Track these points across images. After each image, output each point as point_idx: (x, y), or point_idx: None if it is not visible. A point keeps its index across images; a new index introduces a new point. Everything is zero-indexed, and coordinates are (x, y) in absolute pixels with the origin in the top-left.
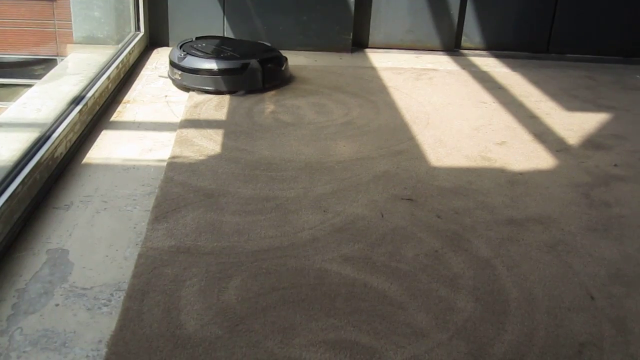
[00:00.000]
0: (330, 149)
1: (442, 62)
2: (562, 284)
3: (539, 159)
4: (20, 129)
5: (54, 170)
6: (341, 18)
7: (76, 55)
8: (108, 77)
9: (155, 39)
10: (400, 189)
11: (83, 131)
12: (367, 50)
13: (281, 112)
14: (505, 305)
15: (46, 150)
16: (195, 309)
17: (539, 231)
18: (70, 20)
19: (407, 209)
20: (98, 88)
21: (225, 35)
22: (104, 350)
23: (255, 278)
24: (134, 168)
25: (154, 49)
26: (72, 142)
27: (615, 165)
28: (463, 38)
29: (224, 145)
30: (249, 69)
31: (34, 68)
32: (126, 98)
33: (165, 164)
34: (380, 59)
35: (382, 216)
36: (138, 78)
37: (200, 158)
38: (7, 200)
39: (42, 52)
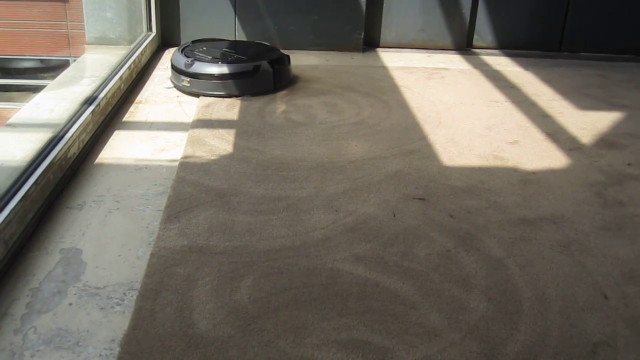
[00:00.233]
0: (342, 148)
1: (454, 61)
2: (575, 284)
3: (552, 158)
4: (33, 130)
5: (67, 170)
6: (352, 17)
7: (89, 55)
8: (120, 78)
9: (167, 40)
10: (412, 188)
11: (96, 131)
12: (379, 49)
13: (293, 111)
14: (518, 305)
15: (59, 151)
16: (207, 308)
17: (551, 231)
18: (83, 22)
19: (419, 209)
20: (110, 88)
21: (223, 37)
22: (116, 350)
23: (267, 278)
24: (146, 168)
25: (165, 50)
26: (85, 143)
27: (629, 164)
28: (475, 37)
29: (235, 145)
30: (260, 71)
31: (46, 69)
32: (138, 98)
33: (177, 163)
34: (392, 58)
35: (394, 216)
36: (150, 78)
37: (212, 158)
38: (20, 200)
39: (55, 53)
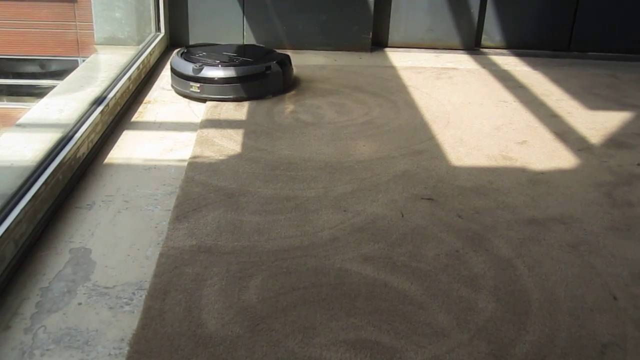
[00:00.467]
0: (350, 148)
1: (462, 61)
2: (584, 285)
3: (561, 158)
4: (43, 130)
5: (76, 170)
6: (361, 17)
7: (98, 56)
8: (129, 78)
9: (175, 40)
10: (420, 188)
11: (105, 131)
12: (387, 49)
13: (301, 111)
14: (527, 305)
15: (69, 151)
16: (216, 308)
17: (560, 231)
18: (91, 22)
19: (428, 209)
20: (119, 89)
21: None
22: (126, 349)
23: (276, 277)
24: (155, 168)
25: (174, 50)
26: (94, 143)
27: (639, 164)
28: (483, 37)
29: (244, 145)
30: (271, 72)
31: (55, 69)
32: (147, 98)
33: (186, 163)
34: (400, 58)
35: (403, 216)
36: (159, 78)
37: (221, 158)
38: (30, 200)
39: (64, 54)
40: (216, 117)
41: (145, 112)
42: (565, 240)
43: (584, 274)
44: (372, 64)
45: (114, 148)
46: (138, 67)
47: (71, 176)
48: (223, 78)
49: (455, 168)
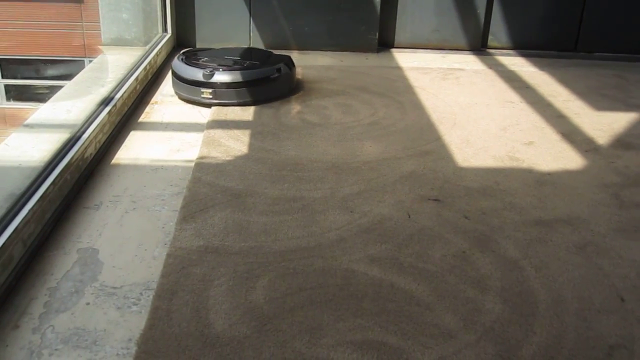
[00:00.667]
0: (356, 149)
1: (468, 61)
2: (591, 286)
3: (568, 159)
4: (50, 130)
5: (83, 170)
6: (367, 18)
7: (105, 56)
8: (136, 79)
9: (182, 40)
10: (427, 189)
11: (112, 132)
12: (393, 50)
13: (307, 112)
14: (534, 306)
15: (76, 151)
16: (223, 308)
17: (567, 232)
18: (98, 22)
19: (434, 210)
20: (127, 89)
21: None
22: (133, 349)
23: (283, 278)
24: (162, 168)
25: (180, 50)
26: (102, 143)
27: None
28: (490, 37)
29: (250, 146)
30: (282, 75)
31: (62, 69)
32: (154, 99)
33: (193, 164)
34: (407, 59)
35: (409, 217)
36: (166, 79)
37: (228, 158)
38: (38, 200)
39: (71, 54)
40: (223, 117)
41: (152, 112)
42: (573, 242)
43: (591, 276)
44: (378, 64)
45: (121, 148)
46: (145, 68)
47: (79, 176)
48: (236, 82)
49: (462, 169)
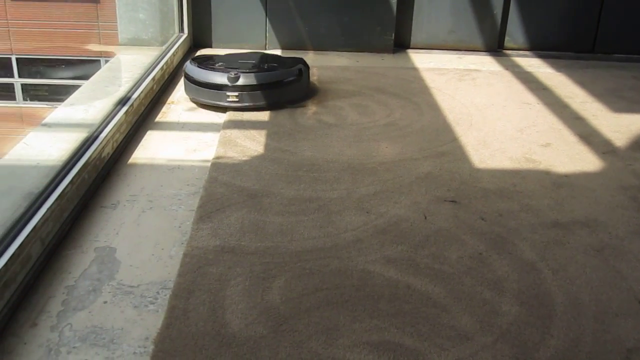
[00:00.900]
0: (372, 150)
1: (485, 62)
2: (609, 289)
3: (585, 161)
4: (68, 130)
5: (101, 170)
6: (383, 18)
7: (122, 56)
8: (153, 78)
9: (198, 40)
10: (443, 190)
11: (129, 131)
12: (409, 50)
13: (323, 113)
14: (551, 309)
15: (94, 151)
16: (239, 308)
17: (585, 234)
18: (113, 22)
19: (451, 211)
20: (143, 89)
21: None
22: (150, 348)
23: (299, 278)
24: (178, 168)
25: (197, 50)
26: (119, 143)
27: None
28: (506, 38)
29: (267, 146)
30: (303, 75)
31: (79, 69)
32: (170, 99)
33: (209, 164)
34: (423, 60)
35: (425, 218)
36: (182, 79)
37: (244, 158)
38: (57, 199)
39: (87, 54)
40: (239, 118)
41: (168, 112)
42: (590, 244)
43: (608, 278)
44: (394, 65)
45: (138, 148)
46: (162, 68)
47: (96, 176)
48: (263, 84)
49: (479, 170)
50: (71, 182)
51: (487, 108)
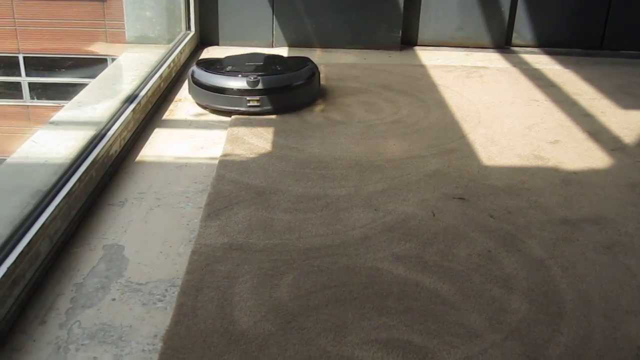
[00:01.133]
0: (380, 147)
1: (492, 59)
2: (619, 286)
3: (594, 158)
4: (76, 127)
5: (109, 167)
6: (390, 16)
7: (129, 54)
8: (160, 76)
9: (205, 38)
10: (451, 188)
11: (136, 129)
12: (416, 47)
13: (331, 110)
14: (561, 306)
15: (102, 148)
16: (248, 305)
17: (594, 232)
18: (120, 20)
19: (459, 208)
20: (151, 87)
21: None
22: (159, 345)
23: (307, 276)
24: (186, 166)
25: (204, 48)
26: (126, 140)
27: None
28: (514, 35)
29: (274, 144)
30: (315, 75)
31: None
32: (177, 96)
33: (216, 161)
34: (430, 57)
35: (434, 215)
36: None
37: (251, 156)
38: (65, 197)
39: (94, 52)
40: (246, 116)
41: (176, 110)
42: (599, 241)
43: (618, 276)
44: (401, 62)
45: (145, 146)
46: (169, 66)
47: (104, 174)
48: (283, 87)
49: (487, 167)
50: (79, 179)
51: (495, 105)
